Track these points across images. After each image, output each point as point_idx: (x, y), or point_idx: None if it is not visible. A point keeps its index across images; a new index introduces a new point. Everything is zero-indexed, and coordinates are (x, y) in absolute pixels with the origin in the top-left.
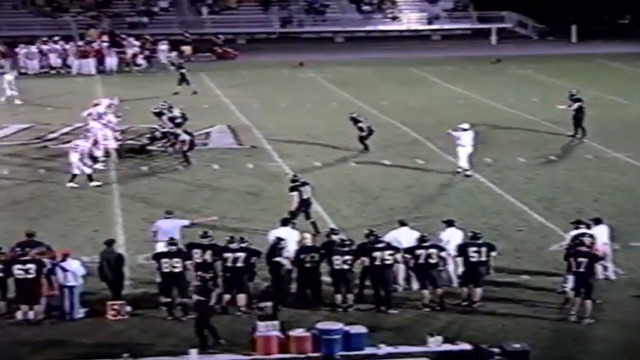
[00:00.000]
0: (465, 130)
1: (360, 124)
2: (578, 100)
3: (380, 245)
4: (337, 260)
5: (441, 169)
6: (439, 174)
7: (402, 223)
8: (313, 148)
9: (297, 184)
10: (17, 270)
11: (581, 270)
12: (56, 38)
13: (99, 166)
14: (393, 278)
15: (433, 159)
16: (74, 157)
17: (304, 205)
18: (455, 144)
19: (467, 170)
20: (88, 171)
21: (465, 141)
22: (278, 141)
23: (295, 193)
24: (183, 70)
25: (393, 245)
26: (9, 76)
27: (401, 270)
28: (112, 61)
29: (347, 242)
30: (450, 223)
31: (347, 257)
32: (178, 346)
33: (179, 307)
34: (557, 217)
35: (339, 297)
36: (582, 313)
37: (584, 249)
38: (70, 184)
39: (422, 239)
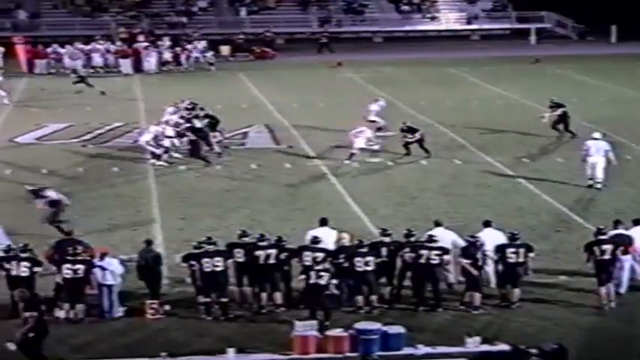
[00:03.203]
0: (596, 139)
1: (417, 133)
2: (561, 105)
3: (428, 244)
4: (359, 262)
5: (479, 169)
6: (476, 174)
7: (437, 224)
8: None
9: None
10: (66, 270)
11: (606, 257)
12: (97, 37)
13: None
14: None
15: (471, 159)
16: (360, 142)
17: None
18: (583, 154)
19: (598, 182)
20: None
21: (594, 150)
22: (316, 141)
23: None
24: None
25: (443, 246)
26: None
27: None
28: (150, 61)
29: (364, 243)
30: (487, 224)
31: (369, 258)
32: (216, 346)
33: (217, 306)
34: (596, 218)
35: (359, 298)
36: (605, 299)
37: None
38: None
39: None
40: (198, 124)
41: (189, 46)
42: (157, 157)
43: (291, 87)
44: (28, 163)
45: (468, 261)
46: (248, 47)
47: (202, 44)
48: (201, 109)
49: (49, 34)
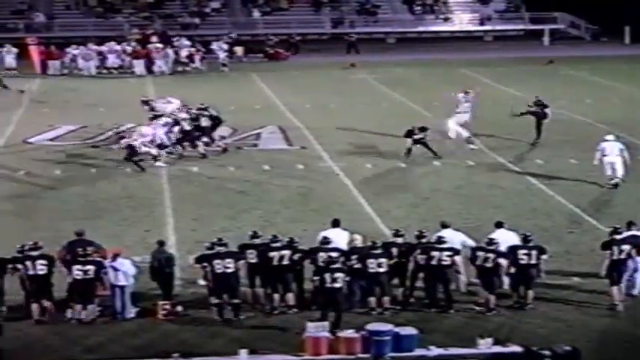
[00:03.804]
0: (607, 141)
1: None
2: (545, 105)
3: (439, 245)
4: (371, 263)
5: (492, 170)
6: (489, 175)
7: (444, 225)
8: (364, 148)
9: None
10: (76, 270)
11: (622, 257)
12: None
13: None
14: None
15: (483, 160)
16: (452, 123)
17: None
18: (598, 155)
19: (618, 178)
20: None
21: (609, 150)
22: (329, 142)
23: None
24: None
25: (454, 247)
26: None
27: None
28: (161, 63)
29: (378, 244)
30: (499, 225)
31: (381, 260)
32: (228, 347)
33: (230, 307)
34: (610, 219)
35: (372, 300)
36: (617, 299)
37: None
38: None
39: (490, 242)
40: (186, 125)
41: (214, 46)
42: (155, 157)
43: (304, 88)
44: (41, 164)
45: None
46: (261, 48)
47: (225, 44)
48: (204, 108)
49: (62, 35)
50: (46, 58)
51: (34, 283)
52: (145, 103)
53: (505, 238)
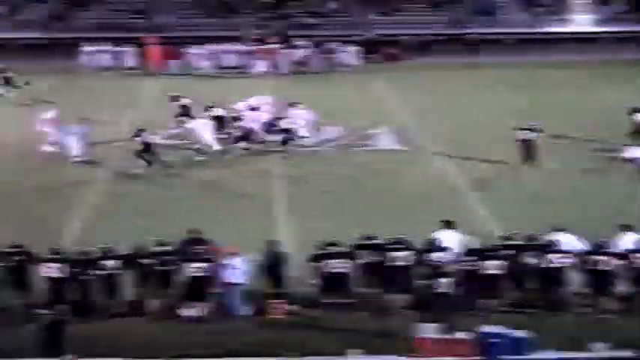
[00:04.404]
0: None
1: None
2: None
3: (551, 248)
4: (485, 265)
5: (609, 172)
6: (606, 178)
7: (558, 229)
8: (480, 151)
9: None
10: (192, 268)
11: None
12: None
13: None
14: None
15: (600, 163)
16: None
17: None
18: None
19: None
20: None
21: None
22: (444, 144)
23: None
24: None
25: (566, 250)
26: None
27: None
28: (274, 63)
29: (491, 246)
30: (627, 228)
31: (495, 262)
32: (340, 346)
33: (342, 307)
34: None
35: (485, 302)
36: None
37: None
38: None
39: (601, 245)
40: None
41: (335, 47)
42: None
43: (420, 88)
44: (159, 166)
45: (623, 262)
46: (377, 49)
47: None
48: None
49: (182, 35)
50: (165, 57)
51: (158, 278)
52: (175, 99)
53: (633, 241)
